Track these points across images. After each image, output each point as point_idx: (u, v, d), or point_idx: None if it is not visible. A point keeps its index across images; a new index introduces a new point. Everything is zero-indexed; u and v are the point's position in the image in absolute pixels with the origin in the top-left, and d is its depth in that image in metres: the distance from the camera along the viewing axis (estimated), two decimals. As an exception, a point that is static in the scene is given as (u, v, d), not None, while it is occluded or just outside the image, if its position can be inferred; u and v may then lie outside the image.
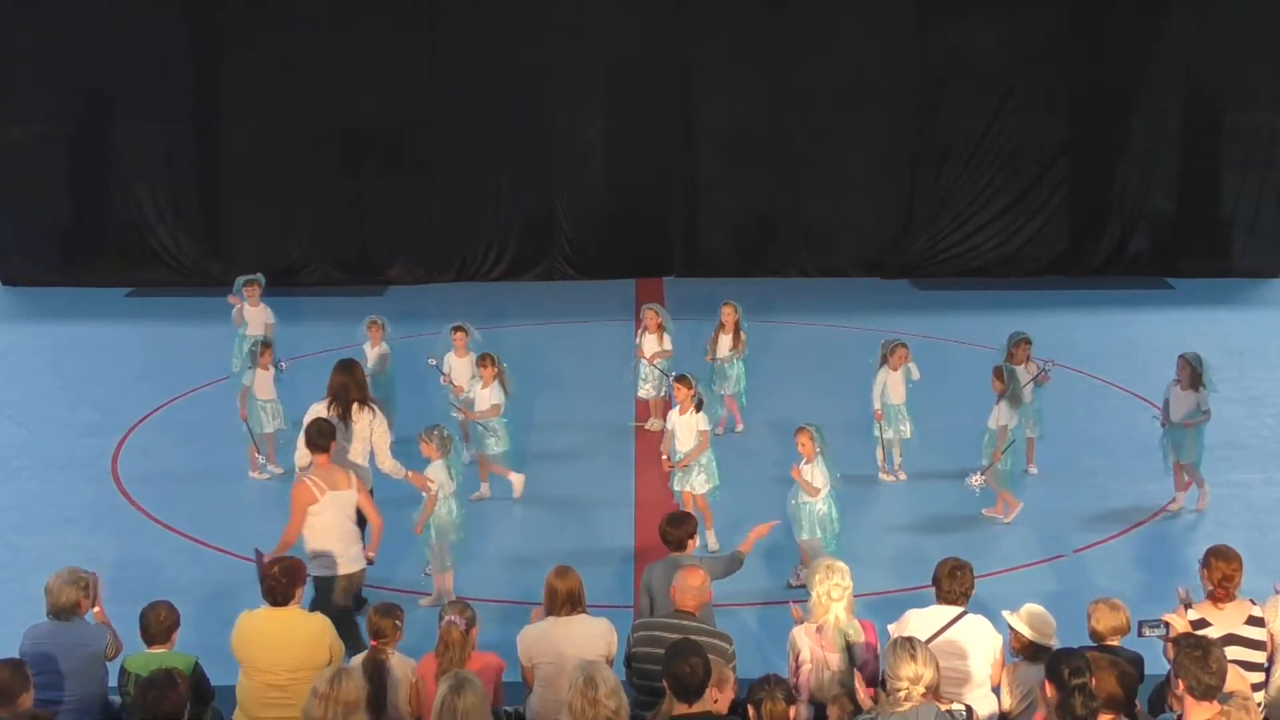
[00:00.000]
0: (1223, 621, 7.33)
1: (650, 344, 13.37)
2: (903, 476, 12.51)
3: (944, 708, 6.52)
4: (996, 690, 7.30)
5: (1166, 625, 7.18)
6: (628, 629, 7.61)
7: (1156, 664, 7.22)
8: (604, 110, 19.59)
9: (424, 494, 10.06)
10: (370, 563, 9.20)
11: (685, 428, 10.97)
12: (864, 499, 12.09)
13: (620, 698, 6.22)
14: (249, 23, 18.81)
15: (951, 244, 19.82)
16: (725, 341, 13.37)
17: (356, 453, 9.87)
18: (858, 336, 16.35)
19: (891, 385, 12.30)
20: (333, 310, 17.18)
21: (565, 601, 7.45)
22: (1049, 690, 6.25)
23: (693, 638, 6.68)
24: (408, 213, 19.48)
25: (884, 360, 12.34)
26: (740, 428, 13.66)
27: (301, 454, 9.38)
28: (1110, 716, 6.38)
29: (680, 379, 11.14)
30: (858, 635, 7.33)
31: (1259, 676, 7.32)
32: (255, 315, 13.69)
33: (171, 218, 19.51)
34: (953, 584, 7.38)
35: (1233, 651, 6.93)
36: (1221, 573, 7.37)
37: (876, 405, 12.34)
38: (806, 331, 17.29)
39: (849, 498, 11.63)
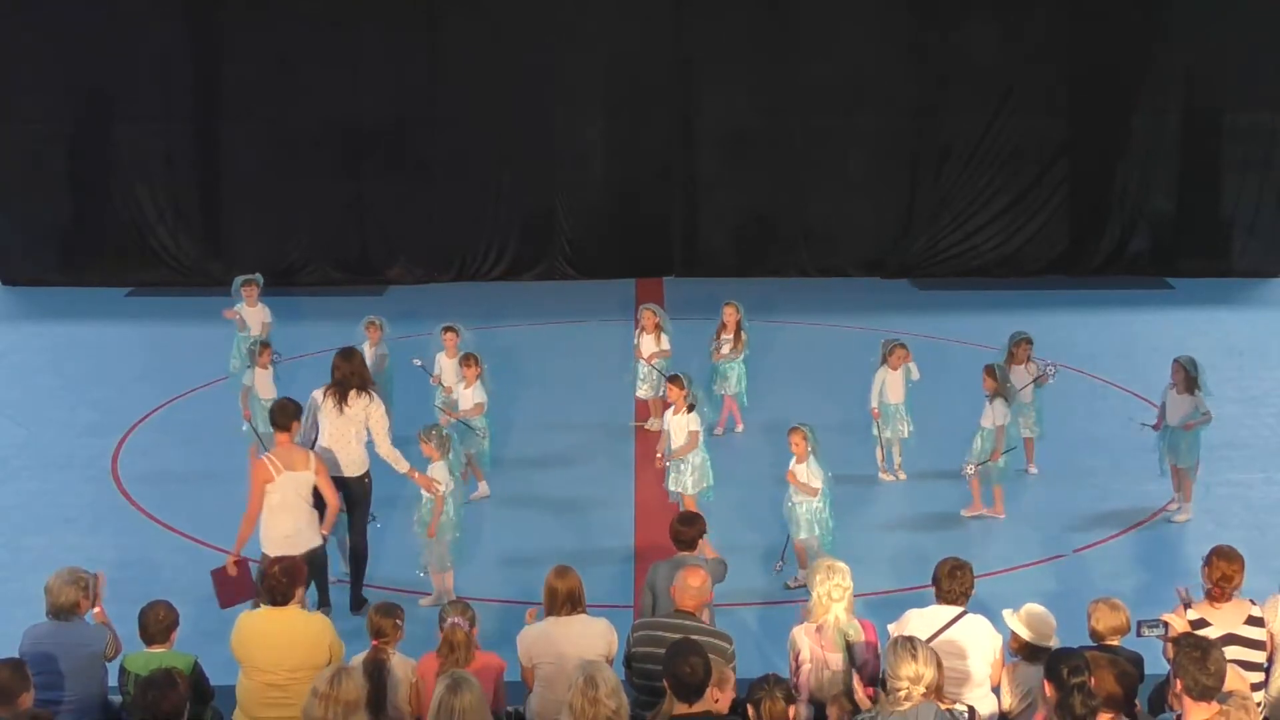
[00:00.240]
0: (1222, 621, 7.33)
1: (648, 344, 13.37)
2: (902, 476, 12.52)
3: (944, 707, 6.52)
4: (996, 690, 7.30)
5: (1165, 625, 7.18)
6: (628, 629, 7.61)
7: (1156, 664, 7.22)
8: (604, 110, 19.59)
9: (427, 494, 10.07)
10: (323, 540, 9.35)
11: (678, 427, 11.00)
12: (864, 499, 12.10)
13: (620, 697, 6.23)
14: (249, 23, 18.81)
15: (951, 244, 19.82)
16: (727, 341, 13.37)
17: (349, 436, 9.89)
18: (858, 336, 16.35)
19: (890, 385, 12.32)
20: (333, 310, 17.17)
21: (565, 601, 7.46)
22: (1048, 690, 6.26)
23: (693, 637, 6.68)
24: (408, 213, 19.48)
25: (884, 359, 12.36)
26: (740, 428, 13.66)
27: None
28: (1110, 716, 6.39)
29: (673, 379, 11.16)
30: (858, 635, 7.34)
31: (1258, 676, 7.33)
32: (253, 315, 13.70)
33: (171, 218, 19.52)
34: (952, 584, 7.38)
35: (1232, 651, 6.93)
36: (1221, 572, 7.37)
37: (874, 404, 12.35)
38: (806, 331, 17.29)
39: (849, 497, 11.67)
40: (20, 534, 11.58)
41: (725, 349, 13.36)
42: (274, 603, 7.37)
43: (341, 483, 9.85)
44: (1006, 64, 19.25)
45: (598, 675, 6.19)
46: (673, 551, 8.42)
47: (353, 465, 9.95)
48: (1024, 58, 19.20)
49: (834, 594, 7.34)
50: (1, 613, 9.52)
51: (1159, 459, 11.72)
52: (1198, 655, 5.98)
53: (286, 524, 9.10)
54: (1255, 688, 7.21)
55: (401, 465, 10.05)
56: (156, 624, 7.47)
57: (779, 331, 16.60)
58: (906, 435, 12.43)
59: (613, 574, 10.54)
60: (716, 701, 6.43)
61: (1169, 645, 6.81)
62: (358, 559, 10.15)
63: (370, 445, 10.12)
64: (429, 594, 10.22)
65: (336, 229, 19.60)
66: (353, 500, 10.00)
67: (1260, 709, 7.21)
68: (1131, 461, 12.51)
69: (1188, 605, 7.43)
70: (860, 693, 6.86)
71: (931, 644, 6.59)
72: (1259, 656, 7.35)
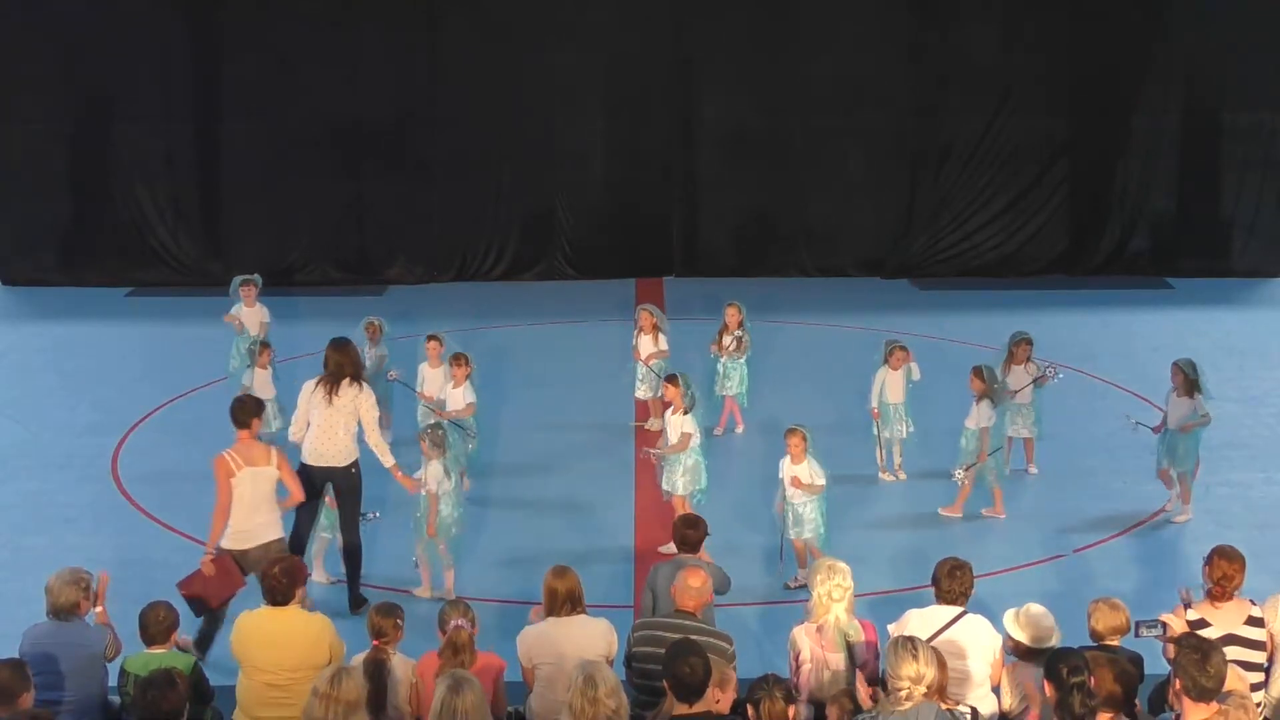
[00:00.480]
0: (1222, 621, 7.33)
1: (646, 345, 13.36)
2: (902, 476, 12.52)
3: (946, 708, 6.52)
4: (996, 690, 7.30)
5: (1164, 625, 7.18)
6: (628, 629, 7.61)
7: (1156, 664, 7.22)
8: (604, 110, 19.59)
9: (417, 494, 10.07)
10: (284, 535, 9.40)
11: (673, 426, 11.02)
12: (864, 498, 12.10)
13: (620, 697, 6.23)
14: (249, 23, 18.82)
15: (951, 244, 19.83)
16: (729, 342, 13.37)
17: (337, 427, 9.87)
18: (858, 336, 16.36)
19: (890, 384, 12.33)
20: (332, 310, 17.15)
21: (565, 601, 7.45)
22: (1048, 689, 6.26)
23: (693, 638, 6.69)
24: (408, 213, 19.48)
25: (885, 359, 12.37)
26: (741, 428, 13.66)
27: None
28: (1110, 715, 6.39)
29: (671, 378, 11.16)
30: (858, 635, 7.34)
31: (1258, 676, 7.33)
32: (251, 315, 13.71)
33: (171, 218, 19.52)
34: (952, 584, 7.38)
35: (1232, 651, 6.93)
36: (1222, 571, 7.37)
37: (873, 404, 12.35)
38: (807, 331, 17.29)
39: (849, 497, 11.68)
40: (20, 534, 11.58)
41: (729, 345, 13.35)
42: (274, 603, 7.37)
43: (328, 473, 9.89)
44: (1006, 64, 19.26)
45: (597, 675, 6.19)
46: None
47: (340, 455, 9.91)
48: (1024, 58, 19.22)
49: (834, 594, 7.34)
50: (1, 613, 9.52)
51: (1156, 460, 11.72)
52: (1198, 657, 5.99)
53: (246, 519, 9.11)
54: (1255, 688, 7.22)
55: (387, 459, 10.05)
56: (157, 624, 7.47)
57: (779, 331, 16.60)
58: (906, 435, 12.44)
59: (613, 574, 10.53)
60: (718, 702, 6.44)
61: (1169, 645, 6.82)
62: (352, 556, 10.15)
63: (367, 444, 10.13)
64: (420, 586, 10.28)
65: (336, 229, 19.61)
66: (341, 492, 10.03)
67: (1260, 709, 7.21)
68: (1131, 461, 12.51)
69: (1188, 605, 7.43)
70: (863, 692, 6.85)
71: (931, 644, 6.59)
72: (1259, 657, 7.35)
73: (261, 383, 12.36)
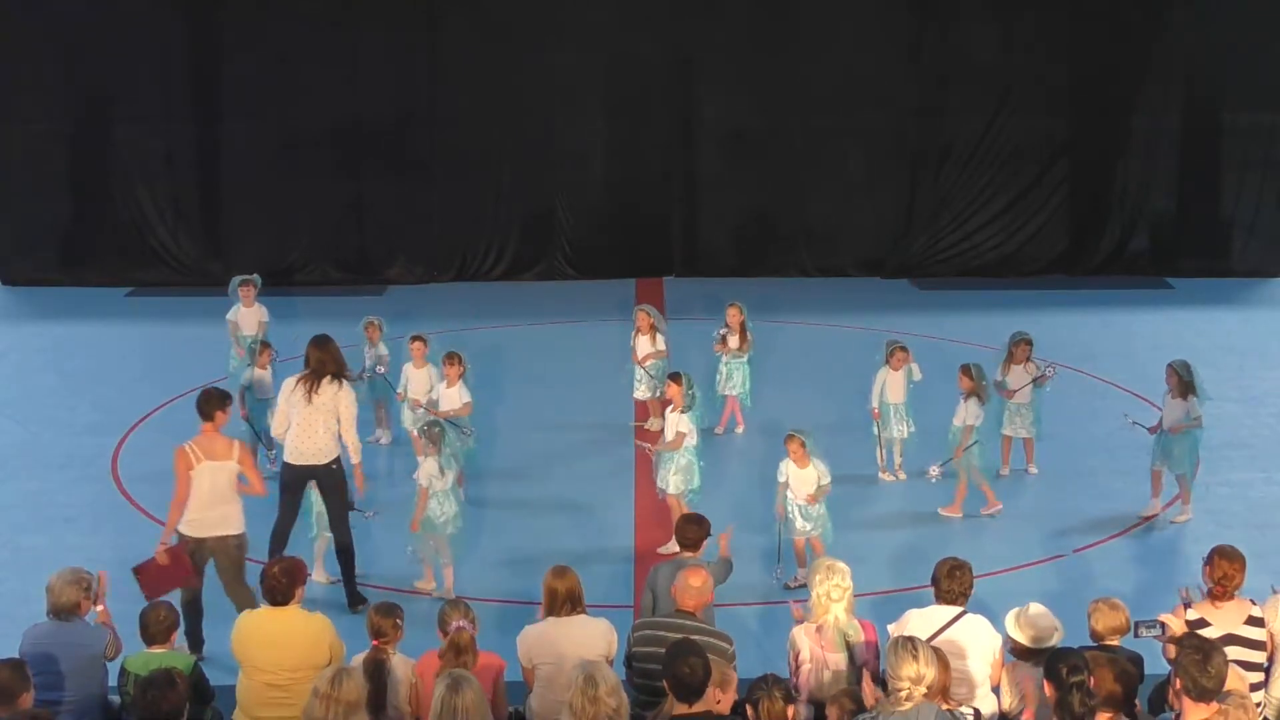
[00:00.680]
0: (1222, 621, 7.33)
1: (644, 345, 13.34)
2: (902, 476, 12.52)
3: (947, 708, 6.52)
4: (996, 690, 7.30)
5: (1162, 626, 7.18)
6: (628, 629, 7.61)
7: (1156, 664, 7.22)
8: (604, 110, 19.60)
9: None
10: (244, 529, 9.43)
11: (670, 424, 11.05)
12: (863, 498, 12.10)
13: (620, 696, 6.23)
14: (249, 23, 18.82)
15: (951, 244, 19.83)
16: (732, 341, 13.37)
17: (317, 425, 9.88)
18: (858, 336, 16.35)
19: (891, 385, 12.33)
20: (332, 310, 17.13)
21: (565, 601, 7.45)
22: (1048, 689, 6.26)
23: (693, 638, 6.69)
24: (408, 213, 19.49)
25: (886, 359, 12.38)
26: (741, 428, 13.66)
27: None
28: (1109, 715, 6.39)
29: (674, 376, 11.17)
30: (857, 635, 7.34)
31: (1258, 676, 7.33)
32: (250, 315, 13.70)
33: (171, 218, 19.53)
34: (952, 584, 7.38)
35: (1232, 651, 6.93)
36: (1222, 571, 7.37)
37: (874, 404, 12.36)
38: (807, 331, 17.29)
39: (849, 497, 11.68)
40: (20, 534, 11.58)
41: (731, 343, 13.34)
42: (274, 603, 7.36)
43: (310, 471, 9.93)
44: (1006, 64, 19.27)
45: (597, 674, 6.20)
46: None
47: (320, 453, 9.92)
48: (1024, 58, 19.22)
49: (833, 594, 7.34)
50: (1, 613, 9.52)
51: (1151, 460, 11.70)
52: (1199, 657, 5.99)
53: (205, 510, 9.16)
54: (1255, 688, 7.22)
55: (356, 457, 10.05)
56: (157, 624, 7.48)
57: (779, 331, 16.60)
58: (906, 436, 12.44)
59: (613, 574, 10.53)
60: (719, 703, 6.43)
61: (1169, 645, 6.82)
62: (345, 555, 10.17)
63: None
64: (423, 579, 10.36)
65: (336, 229, 19.61)
66: (324, 491, 10.06)
67: (1260, 709, 7.21)
68: (1131, 461, 12.50)
69: (1188, 605, 7.43)
70: (868, 690, 6.85)
71: (931, 644, 6.59)
72: (1259, 657, 7.35)
73: (261, 383, 12.36)
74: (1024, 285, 19.23)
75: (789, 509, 10.40)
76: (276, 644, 7.24)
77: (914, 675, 6.17)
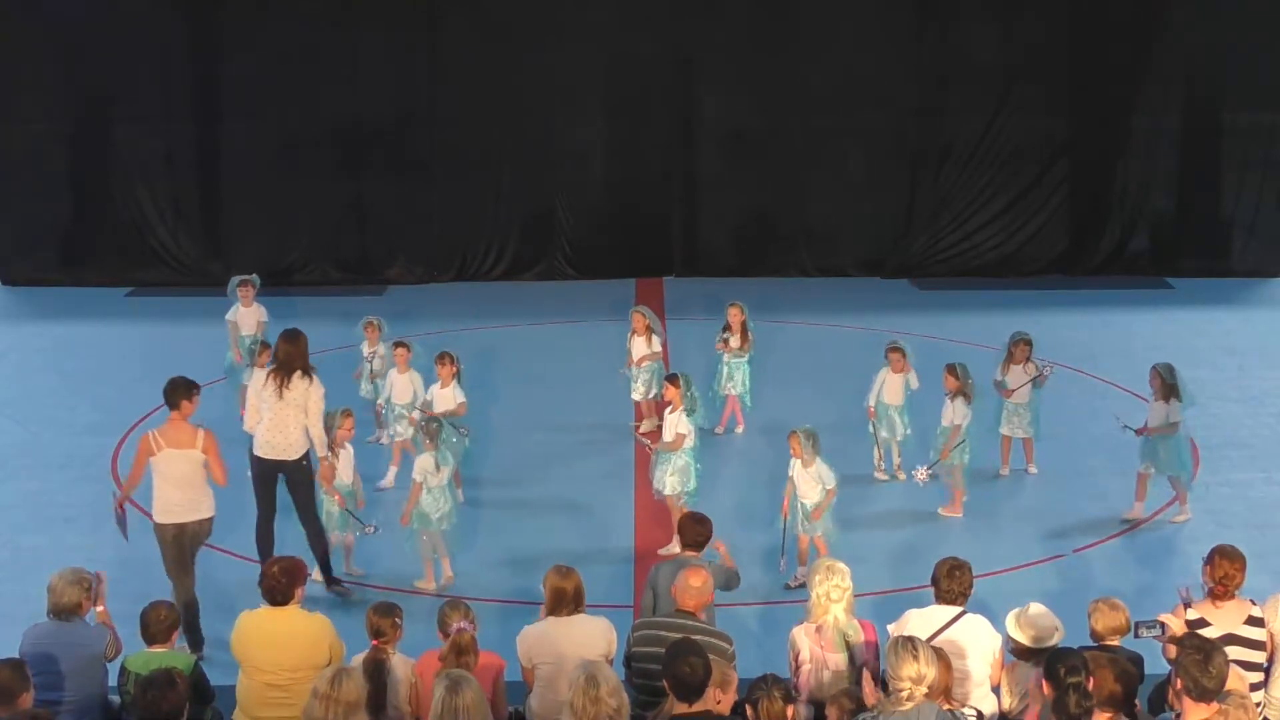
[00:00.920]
0: (1222, 621, 7.33)
1: (639, 347, 13.33)
2: (901, 476, 12.51)
3: (947, 707, 6.52)
4: (997, 690, 7.30)
5: (1162, 626, 7.18)
6: (628, 629, 7.61)
7: (1156, 664, 7.22)
8: (604, 110, 19.60)
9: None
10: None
11: (669, 424, 11.06)
12: (862, 498, 12.09)
13: (621, 696, 6.24)
14: (249, 23, 18.81)
15: (951, 244, 19.83)
16: (733, 341, 13.37)
17: (289, 421, 9.97)
18: (858, 336, 16.35)
19: (889, 386, 12.31)
20: (332, 310, 17.16)
21: (572, 600, 7.46)
22: (1046, 689, 6.26)
23: (693, 637, 6.69)
24: (408, 213, 19.49)
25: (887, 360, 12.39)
26: (741, 428, 13.66)
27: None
28: (1109, 715, 6.39)
29: (671, 378, 11.18)
30: (857, 635, 7.34)
31: (1258, 676, 7.33)
32: (249, 315, 13.71)
33: (171, 218, 19.53)
34: (951, 583, 7.38)
35: (1232, 651, 6.92)
36: (1223, 571, 7.37)
37: (870, 402, 12.35)
38: (807, 331, 17.29)
39: (848, 497, 11.65)
40: (20, 534, 11.58)
41: (733, 343, 13.34)
42: (274, 603, 7.37)
43: (280, 465, 10.03)
44: (1006, 64, 19.26)
45: (599, 674, 6.20)
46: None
47: (292, 449, 10.03)
48: (1024, 58, 19.22)
49: (832, 594, 7.34)
50: (2, 613, 9.52)
51: (1140, 462, 11.69)
52: (1200, 657, 5.99)
53: (172, 495, 9.31)
54: (1255, 688, 7.22)
55: (321, 450, 10.13)
56: (158, 624, 7.48)
57: (779, 331, 16.59)
58: (900, 438, 12.40)
59: (613, 574, 10.53)
60: (719, 703, 6.44)
61: (1169, 646, 6.82)
62: (317, 540, 10.27)
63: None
64: (423, 579, 10.37)
65: (336, 229, 19.61)
66: (293, 484, 10.15)
67: (1260, 709, 7.22)
68: (1131, 462, 12.44)
69: (1188, 605, 7.43)
70: (869, 689, 6.85)
71: (930, 644, 6.59)
72: (1259, 657, 7.35)
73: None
74: (1024, 285, 19.22)
75: (794, 506, 10.40)
76: (276, 644, 7.24)
77: (915, 675, 6.18)
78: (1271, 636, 7.39)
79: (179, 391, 9.43)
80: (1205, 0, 18.97)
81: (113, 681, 7.58)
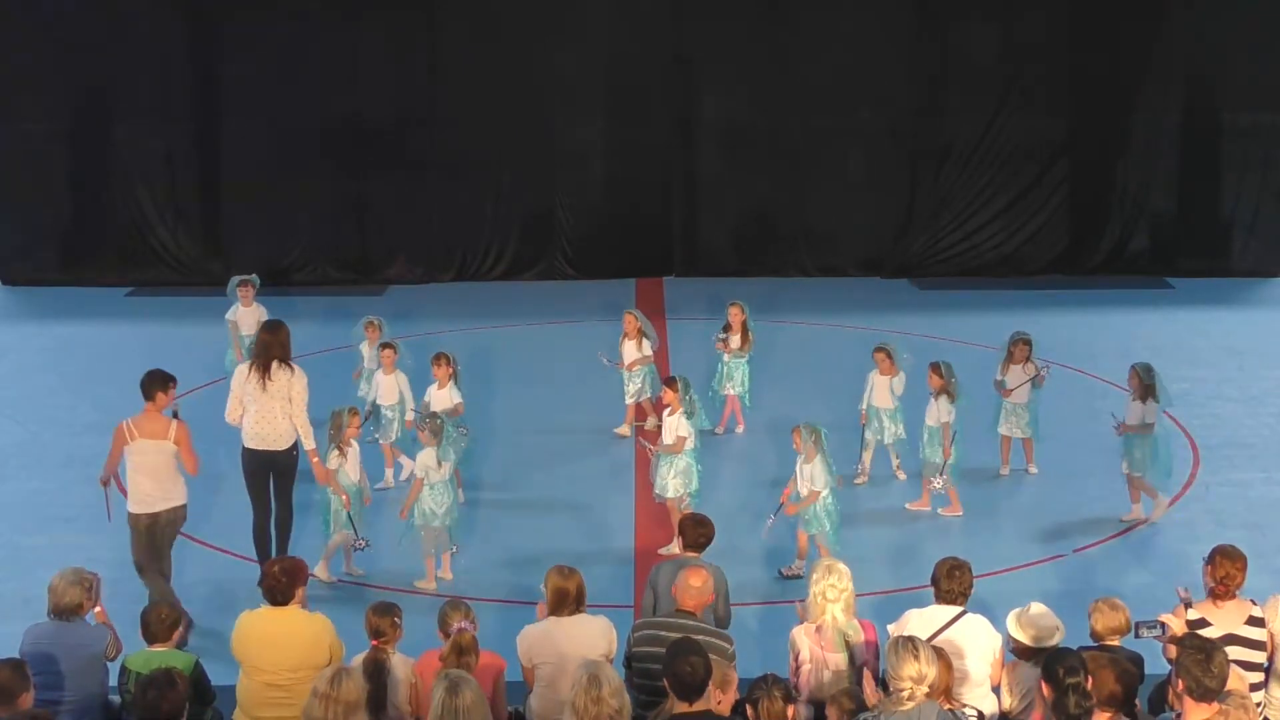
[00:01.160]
0: (1223, 621, 7.33)
1: (630, 350, 13.29)
2: (901, 476, 12.48)
3: (947, 707, 6.52)
4: (997, 690, 7.30)
5: (1163, 626, 7.18)
6: (628, 629, 7.61)
7: (1156, 664, 7.22)
8: (604, 110, 19.60)
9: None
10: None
11: (668, 428, 11.05)
12: (862, 498, 12.10)
13: (623, 697, 6.24)
14: (249, 23, 18.81)
15: (951, 243, 19.83)
16: (733, 341, 13.36)
17: (275, 412, 10.06)
18: (858, 336, 16.35)
19: (877, 388, 12.27)
20: (332, 310, 17.18)
21: (574, 600, 7.46)
22: (1045, 690, 6.27)
23: (693, 637, 6.69)
24: (408, 213, 19.49)
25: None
26: (741, 428, 13.65)
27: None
28: (1109, 715, 6.39)
29: (669, 381, 11.17)
30: (857, 635, 7.34)
31: (1258, 676, 7.33)
32: (249, 315, 13.70)
33: (171, 217, 19.52)
34: (951, 583, 7.38)
35: (1232, 651, 6.92)
36: (1225, 571, 7.37)
37: (862, 405, 12.33)
38: (807, 331, 17.29)
39: (847, 497, 11.67)
40: (20, 533, 11.58)
41: (733, 343, 13.34)
42: (274, 603, 7.37)
43: (270, 456, 10.13)
44: (1006, 64, 19.27)
45: (601, 675, 6.21)
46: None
47: (280, 439, 10.14)
48: (1024, 58, 19.23)
49: (829, 594, 7.34)
50: (2, 612, 9.53)
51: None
52: (1201, 657, 5.99)
53: (145, 484, 9.51)
54: (1255, 688, 7.22)
55: (309, 443, 10.21)
56: (159, 623, 7.48)
57: (779, 331, 16.60)
58: (890, 440, 12.31)
59: (613, 574, 10.52)
60: (719, 703, 6.44)
61: (1169, 646, 6.82)
62: (283, 527, 10.36)
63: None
64: (424, 579, 10.40)
65: (336, 229, 19.61)
66: (279, 471, 10.25)
67: (1260, 709, 7.22)
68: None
69: (1188, 605, 7.43)
70: (869, 689, 6.85)
71: (930, 644, 6.60)
72: (1259, 657, 7.35)
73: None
74: (1024, 285, 19.22)
75: (793, 493, 10.47)
76: (276, 644, 7.24)
77: (915, 675, 6.18)
78: (1272, 636, 7.39)
79: (155, 384, 9.64)
80: (1205, 0, 18.97)
81: (113, 681, 7.58)
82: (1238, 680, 6.69)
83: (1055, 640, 7.13)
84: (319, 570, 10.29)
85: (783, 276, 19.63)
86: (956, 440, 11.64)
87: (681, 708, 6.30)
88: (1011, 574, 10.58)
